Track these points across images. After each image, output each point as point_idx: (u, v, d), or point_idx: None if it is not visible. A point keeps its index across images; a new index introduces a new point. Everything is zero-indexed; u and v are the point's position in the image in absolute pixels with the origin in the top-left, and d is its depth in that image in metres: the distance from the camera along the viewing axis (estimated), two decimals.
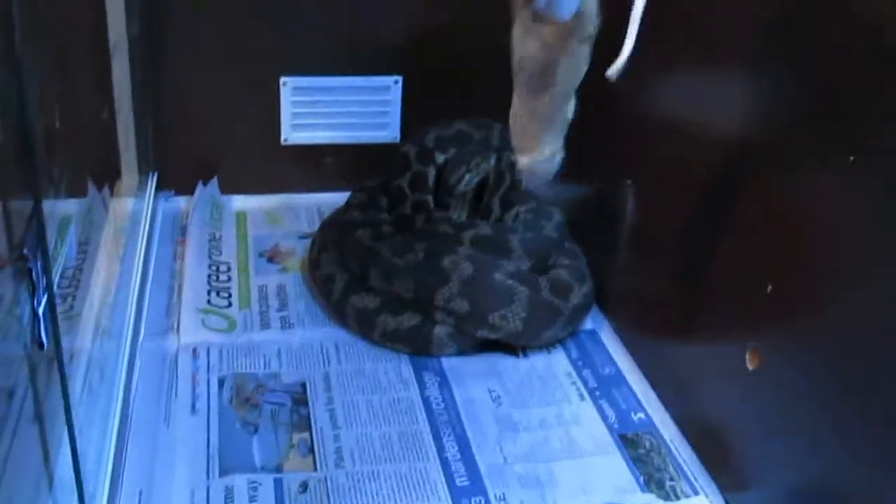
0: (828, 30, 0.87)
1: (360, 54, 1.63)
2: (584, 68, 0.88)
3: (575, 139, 1.48)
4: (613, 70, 0.84)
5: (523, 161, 0.96)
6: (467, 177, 1.43)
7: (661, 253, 1.24)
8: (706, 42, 1.11)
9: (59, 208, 1.08)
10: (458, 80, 1.66)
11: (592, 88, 1.42)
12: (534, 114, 0.91)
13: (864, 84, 0.83)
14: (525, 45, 0.86)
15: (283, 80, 1.61)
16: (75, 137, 1.21)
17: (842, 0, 0.85)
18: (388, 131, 1.69)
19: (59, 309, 0.84)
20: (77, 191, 1.21)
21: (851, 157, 0.83)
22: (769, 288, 0.96)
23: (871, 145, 0.81)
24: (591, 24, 0.85)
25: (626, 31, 0.83)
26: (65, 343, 0.86)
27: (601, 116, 1.39)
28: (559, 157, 0.96)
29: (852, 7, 0.84)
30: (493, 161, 1.44)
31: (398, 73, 1.65)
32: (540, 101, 0.90)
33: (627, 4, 0.83)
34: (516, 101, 0.92)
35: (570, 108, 0.92)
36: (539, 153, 0.94)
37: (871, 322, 0.82)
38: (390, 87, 1.66)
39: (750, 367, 1.00)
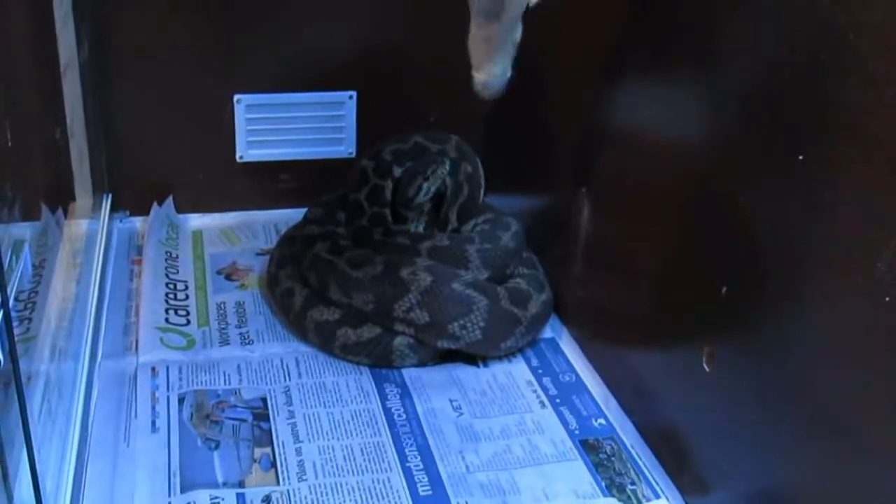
0: (773, 36, 0.89)
1: (314, 70, 1.63)
2: None
3: (531, 148, 1.51)
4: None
5: (479, 77, 1.11)
6: (425, 186, 1.43)
7: (617, 260, 1.25)
8: (658, 52, 1.12)
9: (13, 232, 1.07)
10: (413, 94, 1.67)
11: (550, 99, 1.44)
12: (488, 39, 1.07)
13: (808, 88, 0.85)
14: None
15: (236, 97, 1.61)
16: (27, 157, 1.20)
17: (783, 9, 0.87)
18: (344, 146, 1.69)
19: (16, 332, 0.83)
20: (31, 214, 1.20)
21: (801, 157, 0.84)
22: (724, 290, 0.98)
23: (817, 147, 0.83)
24: None
25: None
26: (22, 365, 0.85)
27: (557, 126, 1.41)
28: (508, 74, 1.11)
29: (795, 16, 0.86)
30: (447, 166, 1.45)
31: (353, 89, 1.66)
32: (492, 27, 1.05)
33: None
34: (472, 28, 1.07)
35: (517, 32, 1.08)
36: (492, 70, 1.09)
37: (822, 322, 0.84)
38: (345, 103, 1.66)
39: (707, 369, 1.01)
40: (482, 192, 1.49)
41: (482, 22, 1.05)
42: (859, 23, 0.78)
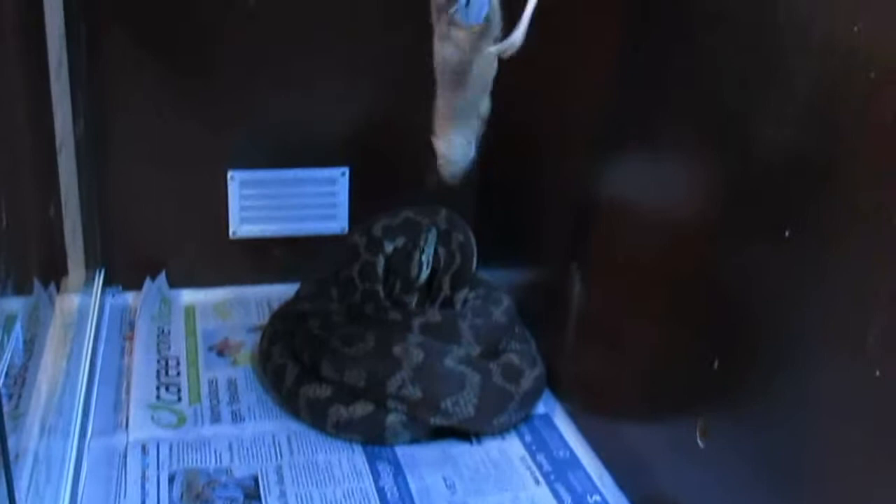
0: (761, 116, 0.91)
1: (307, 147, 1.65)
2: (494, 67, 1.03)
3: (523, 222, 1.52)
4: (507, 45, 0.98)
5: (440, 146, 1.10)
6: (423, 258, 1.44)
7: (609, 334, 1.25)
8: (648, 128, 1.14)
9: (5, 306, 1.07)
10: (405, 170, 1.68)
11: (541, 174, 1.45)
12: (452, 108, 1.06)
13: (796, 163, 0.86)
14: (443, 49, 1.01)
15: (230, 174, 1.63)
16: (22, 235, 1.21)
17: (774, 94, 0.89)
18: (337, 222, 1.70)
19: (5, 408, 0.83)
20: (23, 288, 1.20)
21: (787, 232, 0.85)
22: (716, 364, 0.98)
23: (805, 221, 0.84)
24: (497, 29, 1.00)
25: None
26: (10, 442, 0.84)
27: (548, 200, 1.42)
28: (472, 151, 1.10)
29: (782, 99, 0.87)
30: (433, 230, 1.46)
31: (345, 165, 1.67)
32: (457, 96, 1.05)
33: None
34: (438, 98, 1.07)
35: (484, 106, 1.07)
36: (454, 140, 1.09)
37: (814, 398, 0.84)
38: (338, 179, 1.67)
39: (701, 444, 1.01)
40: (475, 260, 1.49)
41: (447, 92, 1.05)
42: (841, 99, 0.79)
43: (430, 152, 1.12)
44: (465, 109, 1.06)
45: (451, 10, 0.97)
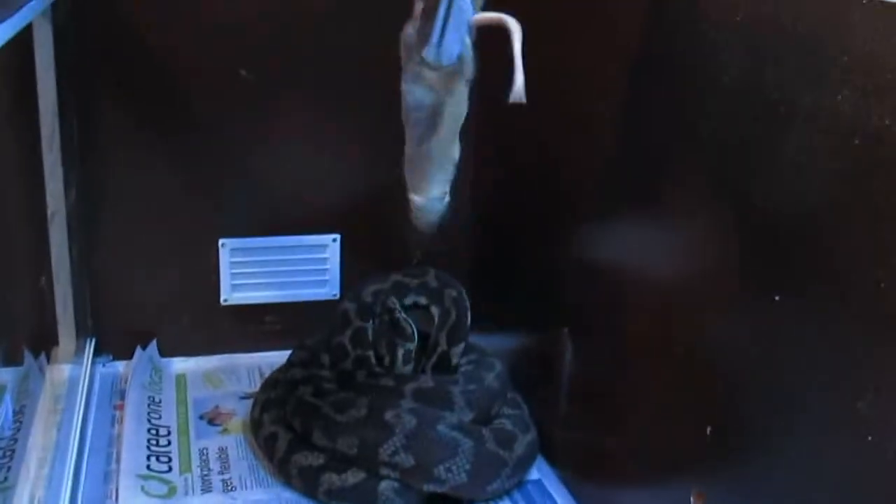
0: (754, 182, 0.92)
1: (298, 214, 1.65)
2: (465, 109, 1.02)
3: (515, 288, 1.52)
4: (514, 96, 0.94)
5: (416, 199, 1.09)
6: (404, 316, 1.45)
7: (601, 400, 1.25)
8: (643, 195, 1.15)
9: None
10: (396, 235, 1.69)
11: (533, 241, 1.45)
12: (425, 156, 1.04)
13: (788, 228, 0.87)
14: (415, 92, 1.00)
15: (221, 241, 1.63)
16: (12, 306, 1.21)
17: (765, 166, 0.90)
18: (328, 288, 1.70)
19: None
20: (13, 359, 1.20)
21: (777, 297, 0.86)
22: (709, 430, 0.98)
23: (796, 285, 0.85)
24: (470, 69, 0.99)
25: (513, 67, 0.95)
26: None
27: (539, 266, 1.43)
28: (447, 199, 1.09)
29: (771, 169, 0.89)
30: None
31: (336, 232, 1.68)
32: (429, 142, 1.03)
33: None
34: (408, 149, 1.05)
35: (455, 151, 1.06)
36: (430, 192, 1.07)
37: (807, 463, 0.83)
38: (328, 246, 1.68)
39: None
40: (469, 315, 1.49)
41: (417, 138, 1.04)
42: (828, 165, 0.81)
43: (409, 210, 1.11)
44: (438, 155, 1.05)
45: (423, 51, 0.96)
